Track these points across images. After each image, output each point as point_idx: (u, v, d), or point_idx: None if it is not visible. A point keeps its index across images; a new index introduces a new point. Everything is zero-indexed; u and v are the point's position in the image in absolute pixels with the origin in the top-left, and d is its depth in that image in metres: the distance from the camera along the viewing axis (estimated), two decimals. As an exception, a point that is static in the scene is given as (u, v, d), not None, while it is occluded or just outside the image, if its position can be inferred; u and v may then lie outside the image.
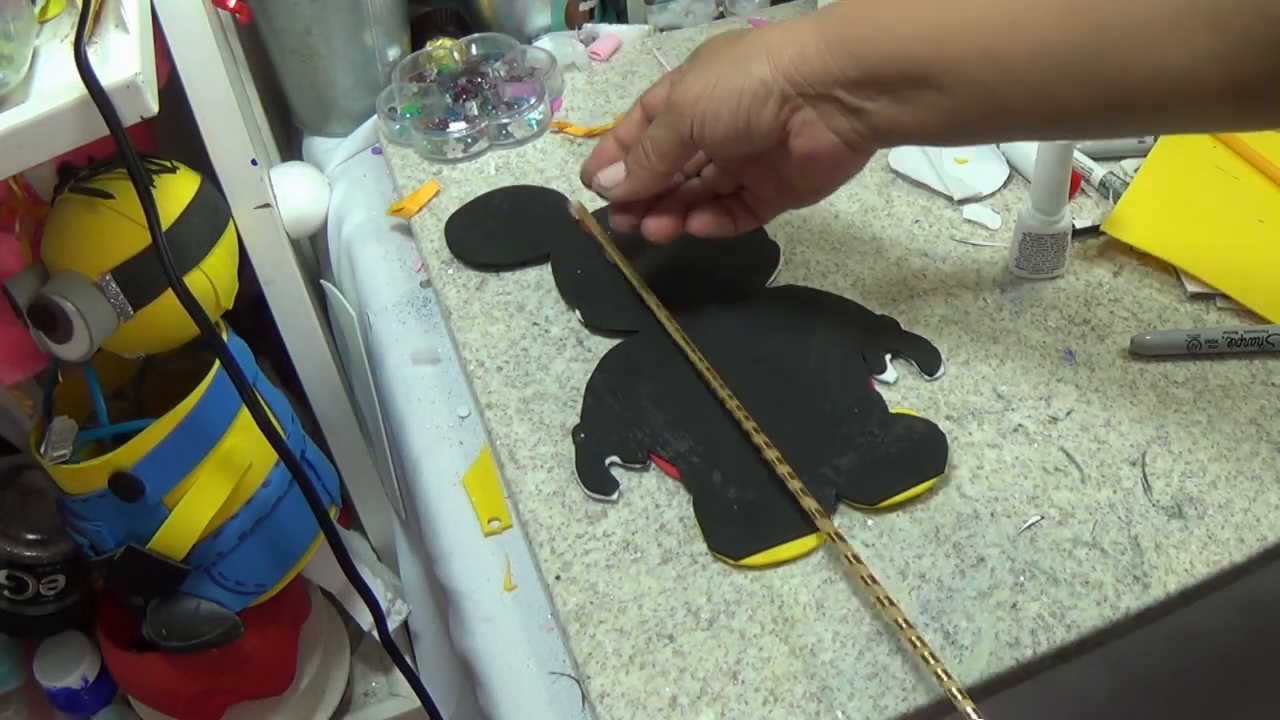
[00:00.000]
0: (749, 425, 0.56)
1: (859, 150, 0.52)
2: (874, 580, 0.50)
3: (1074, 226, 0.65)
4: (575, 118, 0.83)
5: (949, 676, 0.47)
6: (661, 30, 0.92)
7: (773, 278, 0.68)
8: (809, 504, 0.53)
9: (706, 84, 0.51)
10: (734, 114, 0.51)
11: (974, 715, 0.44)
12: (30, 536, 0.85)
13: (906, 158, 0.75)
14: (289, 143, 0.96)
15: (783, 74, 0.50)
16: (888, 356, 0.62)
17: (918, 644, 0.48)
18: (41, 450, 0.72)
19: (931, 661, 0.47)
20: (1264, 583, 0.55)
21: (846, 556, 0.51)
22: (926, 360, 0.62)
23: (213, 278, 0.70)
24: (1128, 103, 0.42)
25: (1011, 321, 0.64)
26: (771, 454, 0.55)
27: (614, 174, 0.58)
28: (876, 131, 0.50)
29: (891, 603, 0.49)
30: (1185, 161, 0.72)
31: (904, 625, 0.49)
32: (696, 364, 0.60)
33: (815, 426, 0.58)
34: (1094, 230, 0.68)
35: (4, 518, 0.85)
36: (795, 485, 0.54)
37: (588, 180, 0.61)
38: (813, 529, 0.54)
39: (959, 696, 0.45)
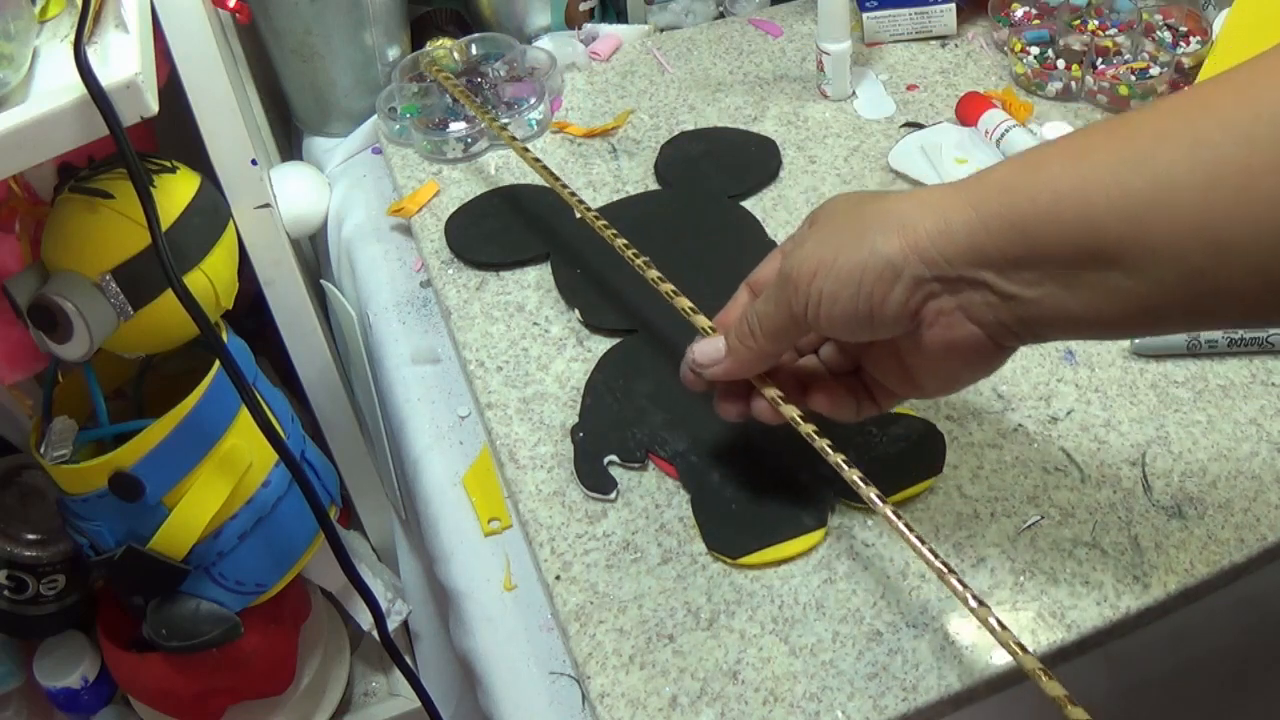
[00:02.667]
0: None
1: (1003, 346, 0.43)
2: (948, 569, 0.45)
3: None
4: (575, 118, 0.83)
5: (1025, 651, 0.42)
6: (661, 30, 0.92)
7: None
8: (852, 476, 0.48)
9: (824, 258, 0.43)
10: (854, 298, 0.42)
11: (1045, 678, 0.41)
12: (30, 536, 0.85)
13: (906, 158, 0.75)
14: (289, 143, 0.96)
15: (916, 252, 0.41)
16: (888, 356, 0.62)
17: (995, 626, 0.43)
18: (41, 450, 0.72)
19: (1000, 629, 0.43)
20: (1264, 583, 0.55)
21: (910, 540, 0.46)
22: (926, 360, 0.62)
23: (213, 278, 0.70)
24: None
25: (1011, 321, 0.64)
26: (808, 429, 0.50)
27: (711, 350, 0.49)
28: (1031, 322, 0.40)
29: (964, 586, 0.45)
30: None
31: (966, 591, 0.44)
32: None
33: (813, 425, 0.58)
34: (1094, 230, 0.68)
35: (4, 518, 0.85)
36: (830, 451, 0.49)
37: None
38: (813, 527, 0.54)
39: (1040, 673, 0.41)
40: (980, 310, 0.41)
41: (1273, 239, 0.34)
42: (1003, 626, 0.43)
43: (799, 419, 0.49)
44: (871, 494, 0.47)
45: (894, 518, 0.46)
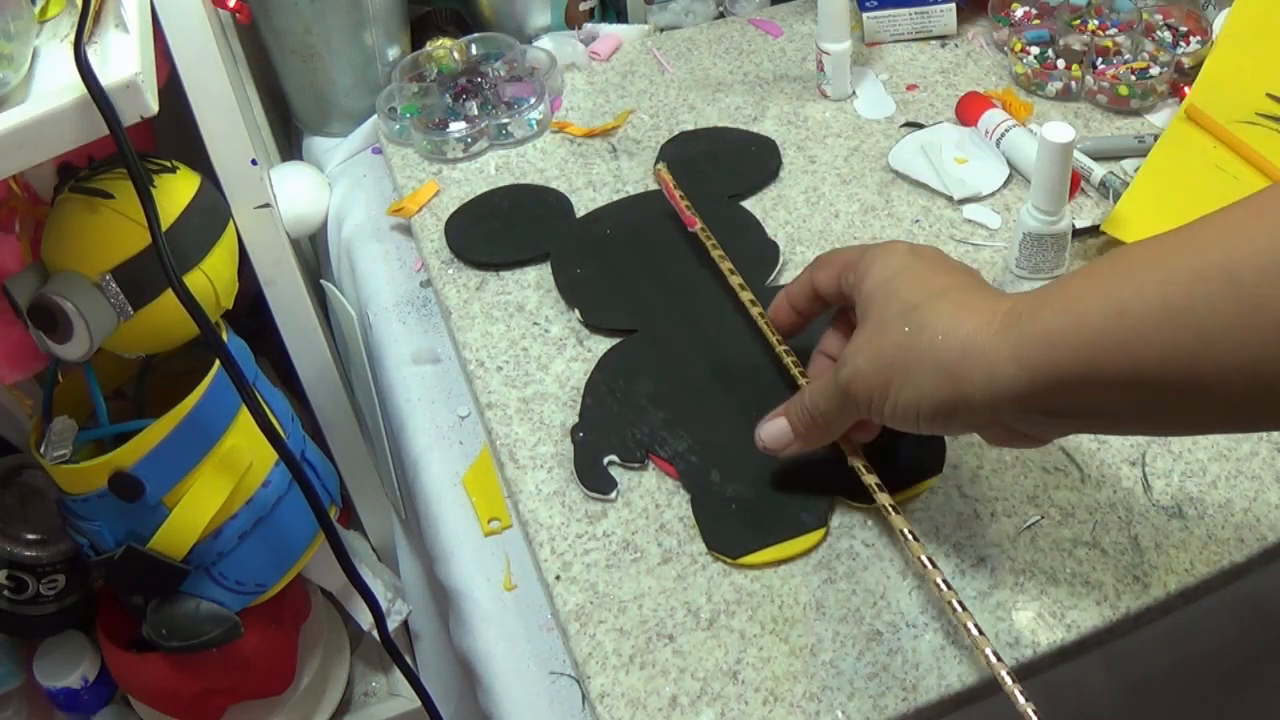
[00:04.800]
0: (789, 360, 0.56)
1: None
2: (932, 563, 0.50)
3: (1074, 226, 0.65)
4: (575, 118, 0.83)
5: (999, 659, 0.46)
6: (661, 30, 0.92)
7: (773, 277, 0.68)
8: (870, 479, 0.52)
9: (879, 385, 0.46)
10: (913, 428, 0.47)
11: (1021, 697, 0.43)
12: (30, 536, 0.85)
13: (906, 158, 0.75)
14: (289, 143, 0.96)
15: (965, 401, 0.43)
16: (888, 356, 0.62)
17: (971, 630, 0.47)
18: (41, 450, 0.72)
19: (978, 634, 0.47)
20: (1264, 583, 0.55)
21: (902, 532, 0.50)
22: (926, 360, 0.62)
23: (213, 278, 0.70)
24: None
25: (1011, 321, 0.64)
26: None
27: (779, 434, 0.53)
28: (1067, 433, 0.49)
29: (948, 586, 0.49)
30: (1185, 161, 0.72)
31: (958, 608, 0.48)
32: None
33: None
34: (1094, 230, 0.68)
35: (4, 518, 0.85)
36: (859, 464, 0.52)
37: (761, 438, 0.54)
38: (812, 526, 0.54)
39: (1009, 680, 0.44)
40: (1018, 436, 0.46)
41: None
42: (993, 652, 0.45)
43: (874, 483, 0.52)
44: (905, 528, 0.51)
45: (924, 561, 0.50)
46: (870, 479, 0.52)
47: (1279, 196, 0.37)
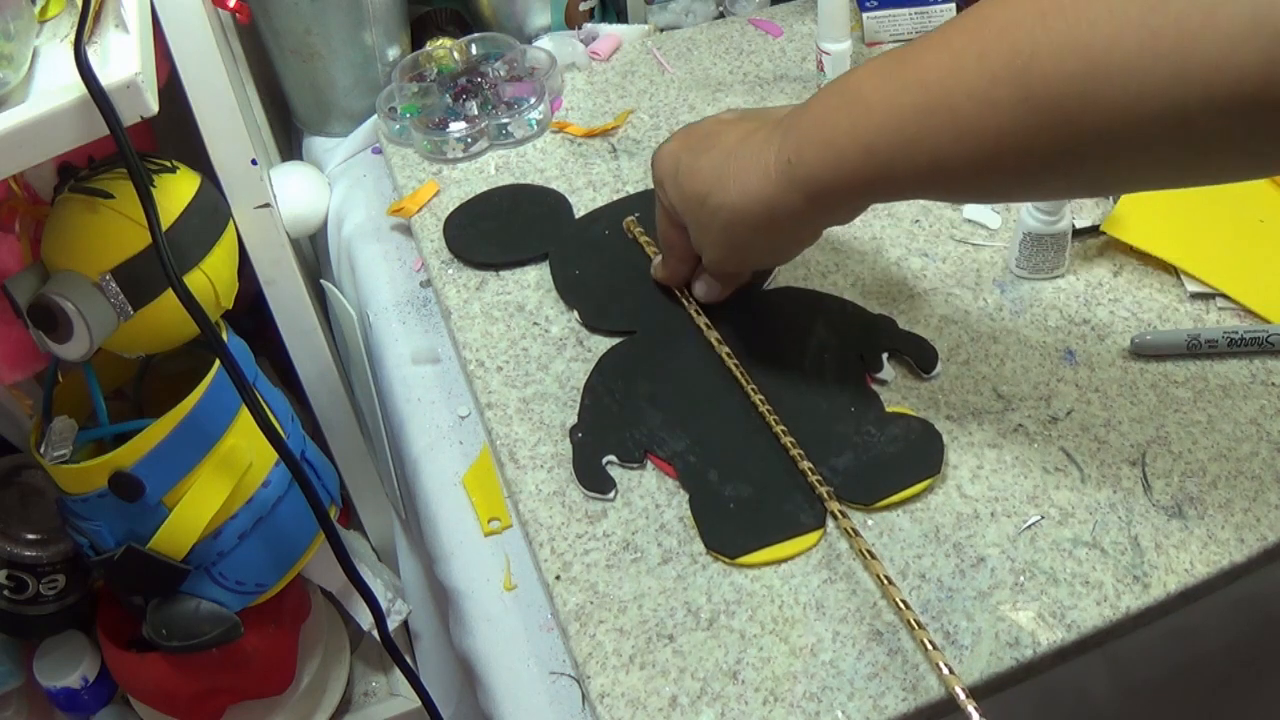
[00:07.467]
0: (764, 408, 0.59)
1: None
2: (889, 581, 0.51)
3: (1074, 226, 0.65)
4: (575, 117, 0.83)
5: (952, 672, 0.47)
6: (661, 30, 0.92)
7: (771, 278, 0.68)
8: (822, 492, 0.55)
9: (729, 259, 0.59)
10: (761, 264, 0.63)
11: (975, 713, 0.45)
12: (30, 536, 0.85)
13: (906, 158, 0.75)
14: (289, 143, 0.96)
15: (780, 237, 0.56)
16: (885, 355, 0.62)
17: (927, 645, 0.49)
18: (41, 450, 0.72)
19: (931, 649, 0.48)
20: (1264, 583, 0.55)
21: (861, 551, 0.52)
22: (923, 357, 0.62)
23: (213, 278, 0.70)
24: (1103, 182, 0.47)
25: (1011, 321, 0.64)
26: (786, 439, 0.57)
27: (710, 292, 0.65)
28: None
29: (907, 606, 0.50)
30: (1185, 161, 0.71)
31: (915, 625, 0.49)
32: (721, 356, 0.62)
33: (811, 426, 0.58)
34: (1094, 230, 0.68)
35: (4, 518, 0.85)
36: (807, 467, 0.56)
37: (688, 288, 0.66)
38: (811, 527, 0.54)
39: (961, 694, 0.46)
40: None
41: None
42: (934, 646, 0.49)
43: (727, 353, 0.62)
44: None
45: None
46: (823, 489, 0.55)
47: (985, 18, 0.43)
